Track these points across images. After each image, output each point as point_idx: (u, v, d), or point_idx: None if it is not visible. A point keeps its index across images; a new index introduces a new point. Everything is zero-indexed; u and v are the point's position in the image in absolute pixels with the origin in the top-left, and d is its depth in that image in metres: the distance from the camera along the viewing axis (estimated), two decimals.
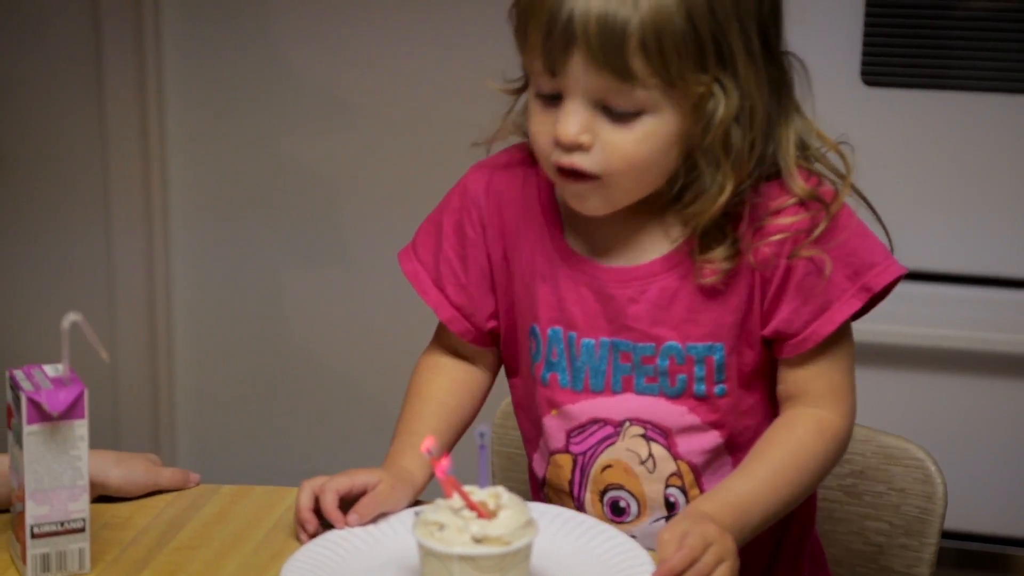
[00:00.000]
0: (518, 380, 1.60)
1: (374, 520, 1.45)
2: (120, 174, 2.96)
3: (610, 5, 1.36)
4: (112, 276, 3.01)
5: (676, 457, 1.52)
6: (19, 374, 1.38)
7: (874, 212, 1.50)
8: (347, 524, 1.44)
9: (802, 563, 1.62)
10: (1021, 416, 2.70)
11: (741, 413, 1.51)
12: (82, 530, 1.40)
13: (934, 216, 2.67)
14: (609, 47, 1.36)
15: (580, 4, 1.37)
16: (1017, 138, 2.63)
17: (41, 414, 1.35)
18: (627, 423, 1.52)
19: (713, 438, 1.52)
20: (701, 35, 1.38)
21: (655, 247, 1.49)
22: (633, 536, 1.43)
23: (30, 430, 1.36)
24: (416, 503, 1.49)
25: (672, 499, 1.53)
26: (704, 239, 1.46)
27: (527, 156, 1.55)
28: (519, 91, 1.52)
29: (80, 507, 1.39)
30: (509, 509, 1.30)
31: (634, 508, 1.54)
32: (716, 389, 1.50)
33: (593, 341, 1.51)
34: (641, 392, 1.51)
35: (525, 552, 1.30)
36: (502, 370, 1.63)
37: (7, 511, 1.45)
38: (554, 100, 1.42)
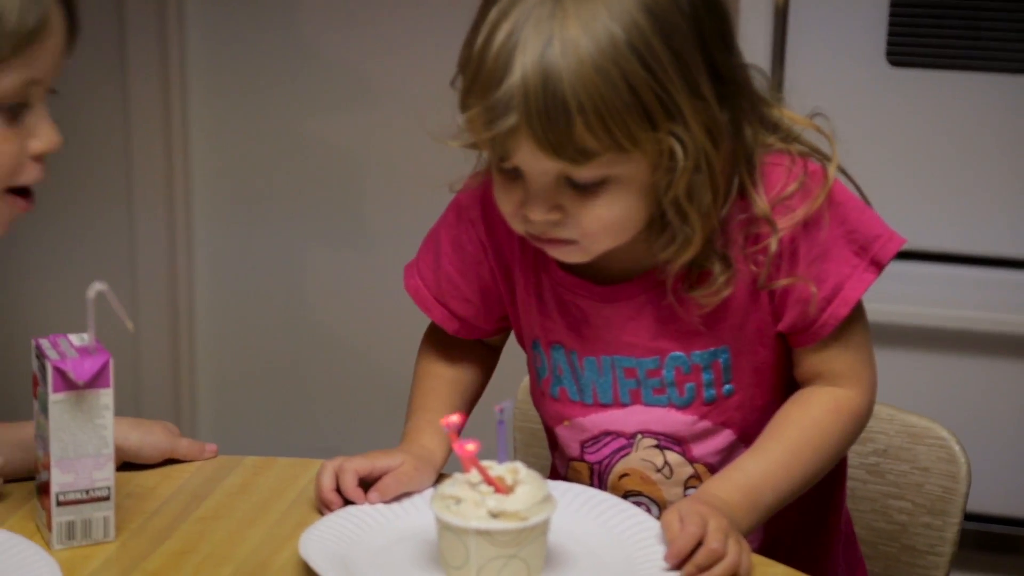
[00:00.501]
0: (534, 379, 1.59)
1: (397, 499, 1.45)
2: (143, 154, 2.95)
3: (547, 93, 1.32)
4: (134, 254, 3.00)
5: (692, 461, 1.52)
6: (45, 343, 1.39)
7: (857, 187, 1.47)
8: (368, 502, 1.44)
9: (834, 542, 1.61)
10: None
11: (752, 409, 1.50)
12: (107, 498, 1.41)
13: (960, 197, 2.66)
14: (554, 134, 1.33)
15: (518, 98, 1.32)
16: None
17: (67, 383, 1.36)
18: (639, 436, 1.52)
19: (726, 437, 1.51)
20: (643, 98, 1.33)
21: (649, 261, 1.46)
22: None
23: (56, 399, 1.37)
24: (438, 480, 1.49)
25: None
26: (688, 279, 1.44)
27: None
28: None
29: (105, 475, 1.40)
30: (527, 485, 1.30)
31: (655, 511, 1.53)
32: (724, 389, 1.49)
33: (595, 359, 1.51)
34: (650, 404, 1.50)
35: (542, 528, 1.30)
36: (519, 350, 1.62)
37: (32, 479, 1.46)
38: (514, 171, 1.39)
